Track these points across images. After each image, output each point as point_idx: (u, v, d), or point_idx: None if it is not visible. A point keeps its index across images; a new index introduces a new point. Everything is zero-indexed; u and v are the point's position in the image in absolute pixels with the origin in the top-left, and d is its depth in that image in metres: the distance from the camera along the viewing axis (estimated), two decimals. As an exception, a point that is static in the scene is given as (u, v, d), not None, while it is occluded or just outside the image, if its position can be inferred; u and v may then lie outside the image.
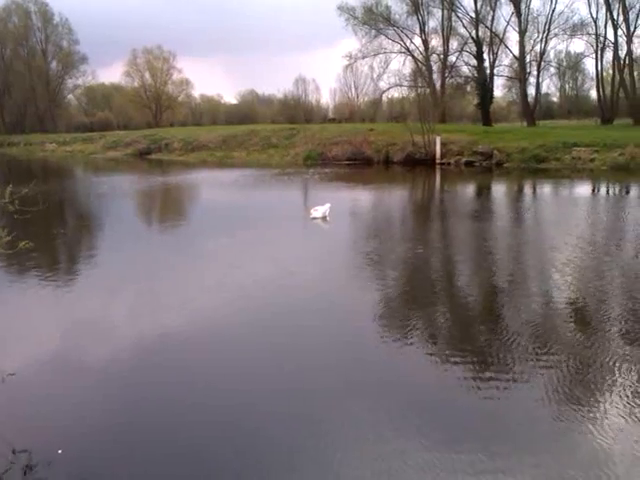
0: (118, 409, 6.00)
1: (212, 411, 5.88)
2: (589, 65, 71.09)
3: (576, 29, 51.46)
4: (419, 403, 5.97)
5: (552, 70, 59.94)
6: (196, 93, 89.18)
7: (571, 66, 61.86)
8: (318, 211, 16.27)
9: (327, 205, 16.45)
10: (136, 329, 8.29)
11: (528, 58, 52.92)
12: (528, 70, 53.23)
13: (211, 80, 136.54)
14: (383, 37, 55.08)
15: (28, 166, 46.41)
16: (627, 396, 5.82)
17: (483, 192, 25.56)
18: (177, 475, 4.86)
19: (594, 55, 52.85)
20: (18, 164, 48.00)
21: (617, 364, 6.53)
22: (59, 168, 45.91)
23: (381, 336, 7.81)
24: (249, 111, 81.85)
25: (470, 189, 27.03)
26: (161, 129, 62.17)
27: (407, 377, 6.63)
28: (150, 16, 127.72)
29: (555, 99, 73.54)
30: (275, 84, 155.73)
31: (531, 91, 55.37)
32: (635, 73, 50.99)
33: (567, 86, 70.16)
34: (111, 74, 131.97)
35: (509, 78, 59.05)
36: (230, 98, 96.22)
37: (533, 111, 54.04)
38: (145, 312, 9.00)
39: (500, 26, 53.71)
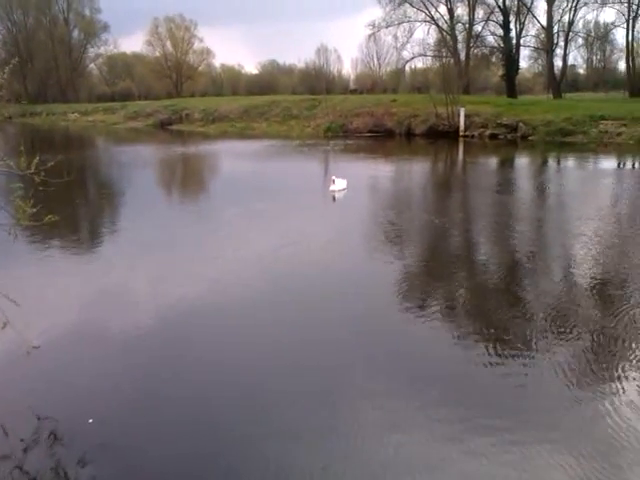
0: (142, 379, 6.06)
1: (232, 384, 5.90)
2: (619, 36, 68.99)
3: (607, -3, 49.86)
4: (438, 377, 5.92)
5: (580, 41, 58.35)
6: (217, 63, 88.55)
7: (600, 37, 60.09)
8: (337, 184, 16.06)
9: (344, 181, 16.21)
10: (158, 300, 8.32)
11: (556, 28, 51.56)
12: (555, 41, 51.91)
13: (232, 50, 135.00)
14: (407, 5, 53.79)
15: (50, 136, 46.70)
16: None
17: (507, 165, 25.15)
18: (198, 445, 4.89)
19: (625, 25, 51.29)
20: (40, 134, 48.30)
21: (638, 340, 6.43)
22: (81, 138, 46.15)
23: (401, 309, 7.77)
24: (270, 81, 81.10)
25: (494, 162, 26.61)
26: (182, 99, 61.98)
27: (425, 351, 6.58)
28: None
29: (582, 71, 71.76)
30: (296, 54, 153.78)
31: (558, 62, 54.09)
32: (668, 43, 49.51)
33: (595, 57, 68.35)
34: (133, 43, 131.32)
35: (535, 49, 57.68)
36: (251, 68, 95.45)
37: (559, 83, 52.78)
38: (166, 284, 9.01)
39: (528, -6, 52.27)
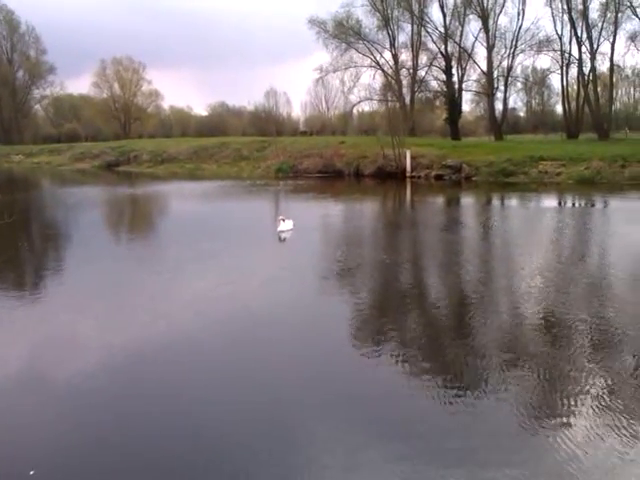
0: (91, 426, 5.80)
1: (184, 424, 5.75)
2: (555, 81, 72.61)
3: (542, 45, 52.67)
4: (389, 417, 5.91)
5: (519, 85, 61.12)
6: (166, 104, 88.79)
7: (537, 81, 63.17)
8: (284, 224, 16.17)
9: (291, 222, 16.35)
10: (105, 345, 8.03)
11: (496, 73, 53.95)
12: (496, 85, 54.23)
13: (181, 91, 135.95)
14: (354, 51, 55.62)
15: (-7, 177, 45.49)
16: (597, 407, 5.86)
17: (453, 205, 25.82)
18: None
19: (559, 71, 54.21)
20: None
21: (584, 374, 6.57)
22: (25, 179, 45.11)
23: (352, 348, 7.76)
24: (220, 123, 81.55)
25: (440, 202, 27.27)
26: (130, 140, 61.59)
27: (377, 391, 6.52)
28: (119, 27, 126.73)
29: (522, 114, 74.92)
30: (246, 96, 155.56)
31: (498, 106, 56.44)
32: (598, 89, 52.31)
33: (534, 101, 71.50)
34: (80, 85, 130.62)
35: (477, 93, 60.16)
36: (200, 110, 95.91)
37: (500, 125, 54.95)
38: (114, 327, 8.77)
39: (468, 42, 54.76)
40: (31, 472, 4.96)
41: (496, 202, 26.80)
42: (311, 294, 10.50)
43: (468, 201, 27.57)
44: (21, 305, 10.17)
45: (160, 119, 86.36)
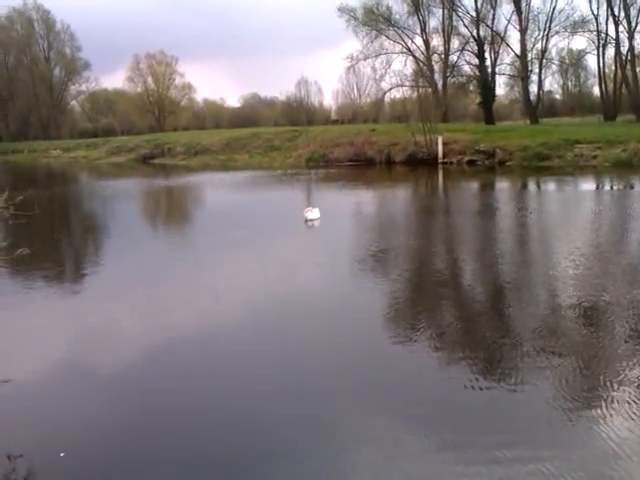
0: (122, 414, 5.88)
1: (219, 415, 5.77)
2: (591, 62, 70.46)
3: (577, 26, 51.26)
4: (427, 403, 5.83)
5: (554, 67, 59.76)
6: (199, 97, 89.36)
7: (573, 63, 61.54)
8: (313, 213, 16.31)
9: (317, 210, 16.44)
10: (141, 334, 8.20)
11: (530, 56, 52.82)
12: (530, 68, 53.12)
13: (214, 84, 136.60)
14: (384, 38, 55.06)
15: (32, 172, 46.62)
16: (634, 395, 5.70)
17: (487, 190, 25.46)
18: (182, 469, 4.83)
19: (596, 52, 52.71)
20: (22, 171, 48.27)
21: (622, 362, 6.36)
22: (63, 174, 46.13)
23: (388, 336, 7.69)
24: (252, 114, 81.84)
25: (474, 187, 26.97)
26: (164, 134, 62.31)
27: (412, 377, 6.47)
28: (152, 21, 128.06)
29: (558, 96, 73.22)
30: (278, 87, 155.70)
31: (533, 89, 55.28)
32: (637, 69, 50.75)
33: (570, 83, 69.81)
34: (114, 80, 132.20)
35: (511, 76, 59.00)
36: (233, 101, 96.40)
37: (535, 109, 53.85)
38: (151, 316, 8.94)
39: (501, 25, 53.66)
40: (61, 454, 5.14)
41: (531, 186, 26.37)
42: (340, 280, 10.53)
43: (502, 186, 27.12)
44: (59, 292, 10.49)
45: (194, 112, 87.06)
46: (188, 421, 5.67)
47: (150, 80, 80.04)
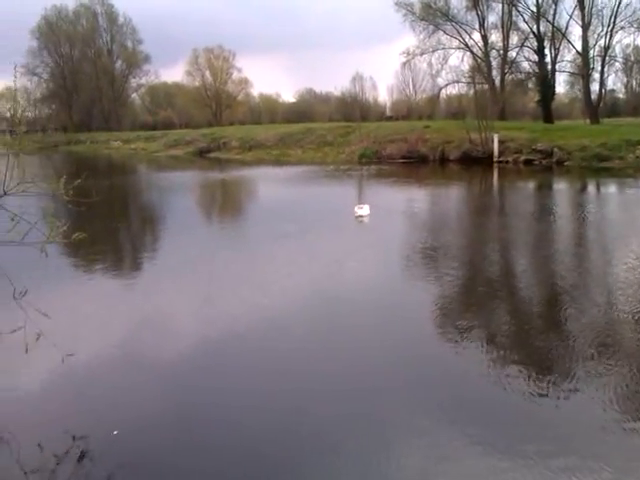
0: (173, 400, 6.11)
1: (270, 408, 5.87)
2: (659, 59, 67.72)
3: (644, 22, 49.37)
4: (473, 406, 5.89)
5: (618, 65, 57.75)
6: (255, 92, 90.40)
7: (639, 60, 59.43)
8: (363, 209, 16.47)
9: (367, 206, 16.62)
10: (193, 324, 8.49)
11: (592, 53, 51.17)
12: (592, 65, 51.44)
13: (270, 78, 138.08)
14: (441, 33, 54.32)
15: (94, 163, 48.31)
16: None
17: (544, 191, 24.94)
18: (228, 465, 4.99)
19: (663, 49, 50.71)
20: (84, 161, 50.03)
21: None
22: (123, 165, 47.62)
23: (437, 335, 7.77)
24: (306, 109, 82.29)
25: (530, 188, 26.46)
26: (220, 128, 63.34)
27: (459, 378, 6.49)
28: (211, 16, 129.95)
29: (621, 95, 70.82)
30: (333, 82, 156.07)
31: (595, 87, 53.55)
32: None
33: (634, 81, 67.45)
34: (174, 73, 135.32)
35: (572, 74, 57.33)
36: (288, 96, 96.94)
37: (596, 108, 52.18)
38: (202, 306, 9.20)
39: (562, 20, 52.07)
40: (115, 432, 5.46)
41: (590, 188, 25.71)
42: (388, 277, 10.64)
43: (560, 187, 26.52)
44: (117, 278, 10.97)
45: (250, 106, 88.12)
46: (237, 414, 5.78)
47: (208, 74, 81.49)
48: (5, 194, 5.24)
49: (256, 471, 4.89)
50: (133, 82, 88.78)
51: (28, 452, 5.18)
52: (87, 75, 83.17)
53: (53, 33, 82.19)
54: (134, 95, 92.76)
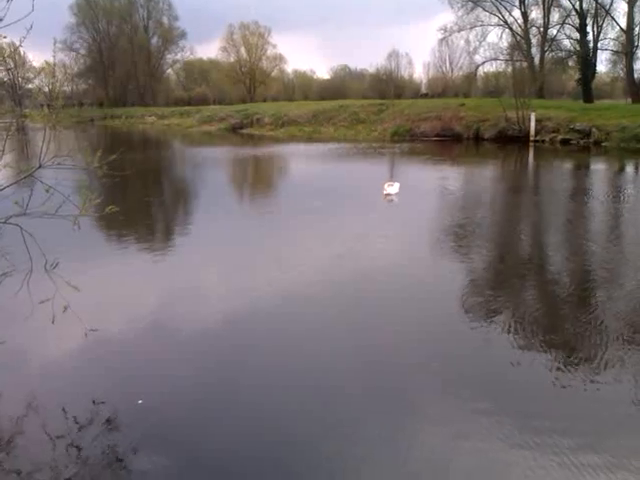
0: (197, 373, 6.16)
1: (297, 384, 5.91)
2: None
3: (695, -3, 47.46)
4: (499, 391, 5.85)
5: (664, 43, 55.68)
6: (289, 68, 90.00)
7: (686, 39, 57.22)
8: (393, 187, 16.31)
9: (397, 184, 16.46)
10: (222, 298, 8.53)
11: (637, 30, 49.50)
12: (636, 43, 49.79)
13: (305, 55, 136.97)
14: (480, 9, 53.08)
15: (128, 138, 48.88)
16: None
17: (580, 171, 24.38)
18: (250, 439, 5.01)
19: None
20: (119, 135, 50.69)
21: None
22: (157, 140, 48.05)
23: (465, 315, 7.62)
24: (341, 86, 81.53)
25: (567, 168, 25.89)
26: (253, 104, 63.35)
27: (487, 362, 6.41)
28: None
29: (666, 74, 68.37)
30: (368, 59, 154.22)
31: (638, 66, 51.89)
32: None
33: (681, 60, 64.96)
34: (209, 50, 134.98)
35: (614, 52, 55.58)
36: (323, 73, 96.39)
37: (639, 87, 50.64)
38: (235, 281, 9.20)
39: (607, -4, 50.44)
40: (139, 401, 5.57)
41: (629, 169, 25.03)
42: (415, 255, 10.62)
43: (597, 167, 25.79)
44: (149, 250, 11.16)
45: (283, 83, 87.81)
46: (261, 393, 5.73)
47: (243, 50, 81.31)
48: (40, 166, 5.32)
49: (282, 447, 4.91)
50: (168, 58, 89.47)
51: (53, 418, 5.30)
52: (123, 51, 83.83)
53: (91, 9, 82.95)
54: (169, 71, 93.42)
